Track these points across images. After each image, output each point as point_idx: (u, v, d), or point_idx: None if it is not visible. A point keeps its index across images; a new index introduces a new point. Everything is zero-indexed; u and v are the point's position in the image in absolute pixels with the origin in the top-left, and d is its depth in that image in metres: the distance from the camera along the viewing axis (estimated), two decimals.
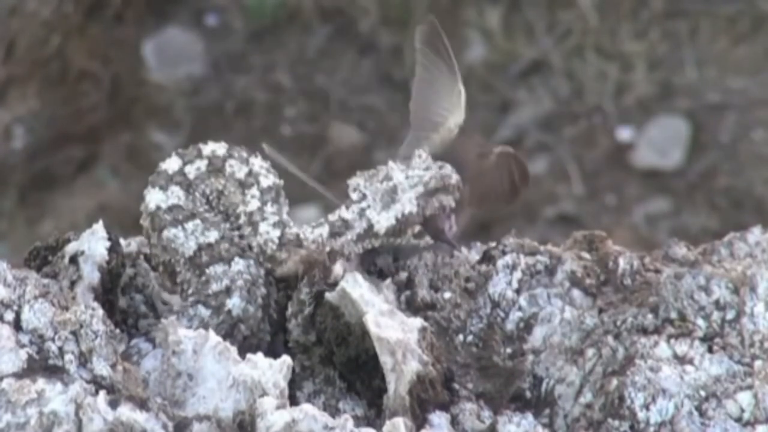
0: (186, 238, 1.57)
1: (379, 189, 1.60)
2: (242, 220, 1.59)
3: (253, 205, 1.59)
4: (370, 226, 1.59)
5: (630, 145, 4.23)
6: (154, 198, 1.59)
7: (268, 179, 1.61)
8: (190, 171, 1.60)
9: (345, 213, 1.59)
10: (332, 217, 1.59)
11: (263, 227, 1.58)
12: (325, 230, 1.58)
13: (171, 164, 1.61)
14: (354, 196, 1.60)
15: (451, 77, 1.77)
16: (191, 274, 1.57)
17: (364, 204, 1.59)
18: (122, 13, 4.49)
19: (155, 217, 1.58)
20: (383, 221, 1.59)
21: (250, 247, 1.58)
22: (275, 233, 1.58)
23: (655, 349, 1.51)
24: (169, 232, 1.58)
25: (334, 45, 4.45)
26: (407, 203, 1.59)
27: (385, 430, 1.41)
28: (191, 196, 1.60)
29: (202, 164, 1.61)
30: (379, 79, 4.37)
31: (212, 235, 1.58)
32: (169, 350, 1.45)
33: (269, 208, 1.59)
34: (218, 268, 1.56)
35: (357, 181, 1.62)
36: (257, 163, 1.62)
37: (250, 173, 1.61)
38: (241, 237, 1.59)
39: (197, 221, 1.58)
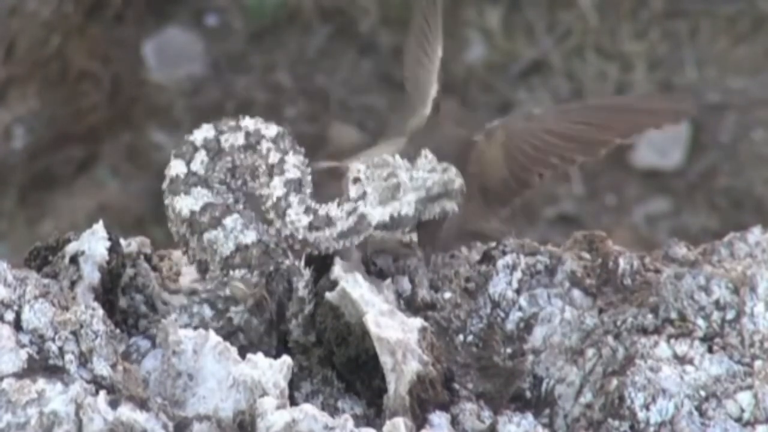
0: (225, 239, 1.57)
1: (381, 186, 1.59)
2: (269, 203, 1.58)
3: (274, 157, 1.59)
4: (362, 217, 1.58)
5: (630, 145, 4.22)
6: (184, 204, 1.58)
7: (271, 129, 1.61)
8: (197, 167, 1.60)
9: (333, 210, 1.58)
10: (321, 211, 1.58)
11: (292, 213, 1.57)
12: (305, 221, 1.57)
13: (177, 168, 1.60)
14: (353, 191, 1.59)
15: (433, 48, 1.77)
16: (220, 272, 1.57)
17: (359, 203, 1.59)
18: (122, 13, 4.49)
19: (193, 222, 1.58)
20: (377, 215, 1.58)
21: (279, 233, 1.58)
22: (306, 219, 1.57)
23: (655, 349, 1.51)
24: (210, 234, 1.57)
25: (334, 45, 4.45)
26: (405, 205, 1.58)
27: (385, 430, 1.41)
28: (214, 189, 1.60)
29: (202, 155, 1.61)
30: (379, 79, 4.37)
31: (250, 236, 1.57)
32: (170, 350, 1.45)
33: (291, 159, 1.59)
34: (241, 274, 1.56)
35: (359, 168, 1.60)
36: (250, 123, 1.61)
37: (248, 135, 1.60)
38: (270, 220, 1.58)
39: (234, 216, 1.58)
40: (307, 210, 1.57)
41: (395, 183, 1.59)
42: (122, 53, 4.48)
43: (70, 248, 1.58)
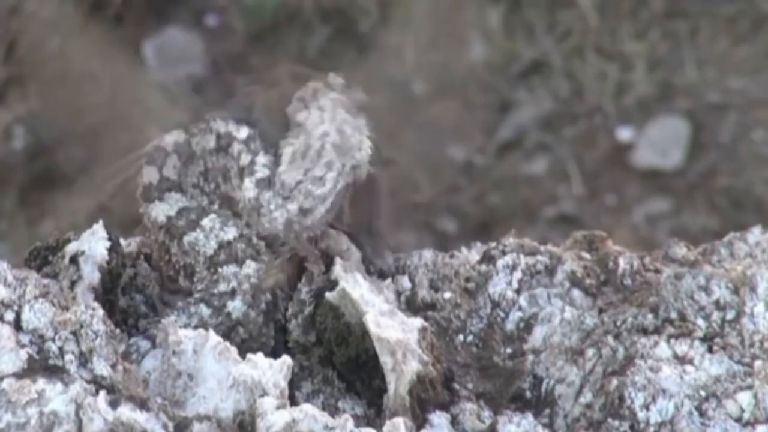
0: (206, 238, 1.57)
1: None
2: (242, 206, 1.58)
3: (245, 159, 1.58)
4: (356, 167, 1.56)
5: (630, 145, 4.23)
6: (159, 211, 1.59)
7: (243, 131, 1.60)
8: (169, 172, 1.61)
9: (317, 189, 1.56)
10: (303, 187, 1.56)
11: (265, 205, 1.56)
12: (294, 207, 1.55)
13: (150, 175, 1.61)
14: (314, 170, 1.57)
15: None
16: (207, 272, 1.57)
17: (334, 173, 1.56)
18: (122, 13, 4.49)
19: (171, 227, 1.58)
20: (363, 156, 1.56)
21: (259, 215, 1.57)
22: (294, 206, 1.55)
23: (655, 349, 1.51)
24: (189, 237, 1.58)
25: (334, 45, 4.46)
26: (361, 148, 1.56)
27: (385, 430, 1.41)
28: (188, 193, 1.60)
29: (173, 160, 1.61)
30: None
31: (231, 232, 1.57)
32: (170, 350, 1.45)
33: (261, 159, 1.58)
34: (230, 269, 1.56)
35: (288, 150, 1.57)
36: (220, 125, 1.61)
37: (219, 137, 1.60)
38: (248, 225, 1.58)
39: (212, 216, 1.58)
40: (285, 201, 1.55)
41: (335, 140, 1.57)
42: (122, 53, 4.48)
43: (70, 248, 1.58)
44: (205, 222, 1.58)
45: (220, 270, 1.56)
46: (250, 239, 1.58)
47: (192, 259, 1.58)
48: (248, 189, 1.57)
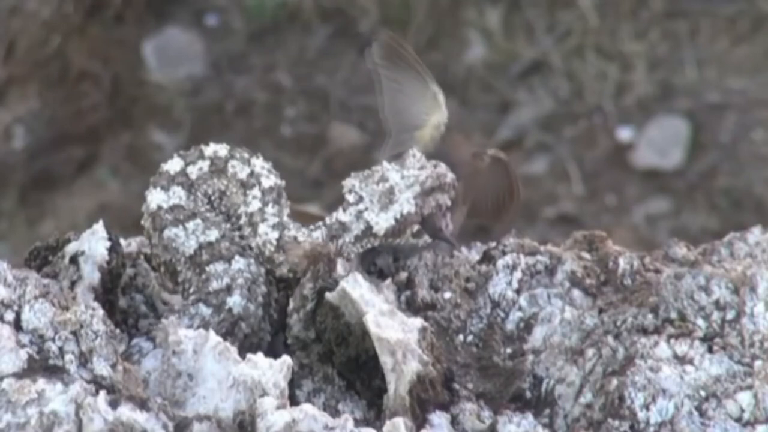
0: (186, 237, 1.58)
1: (376, 190, 1.61)
2: (243, 220, 1.60)
3: (254, 206, 1.60)
4: (369, 228, 1.59)
5: (630, 145, 4.23)
6: (155, 198, 1.60)
7: (270, 180, 1.61)
8: (192, 171, 1.61)
9: (342, 215, 1.60)
10: (329, 220, 1.60)
11: (262, 228, 1.59)
12: (322, 233, 1.59)
13: (173, 165, 1.62)
14: (350, 198, 1.61)
15: (421, 82, 1.77)
16: (192, 273, 1.57)
17: (361, 206, 1.60)
18: (122, 13, 4.49)
19: (156, 217, 1.59)
20: (382, 222, 1.59)
21: (250, 248, 1.59)
22: (274, 235, 1.58)
23: (655, 349, 1.51)
24: (170, 232, 1.58)
25: (334, 45, 4.46)
26: (405, 203, 1.59)
27: (385, 430, 1.41)
28: (192, 196, 1.61)
29: (204, 165, 1.62)
30: None
31: (213, 234, 1.58)
32: (170, 350, 1.45)
33: (270, 209, 1.60)
34: (219, 267, 1.56)
35: (352, 182, 1.62)
36: (259, 163, 1.62)
37: (252, 174, 1.61)
38: (242, 237, 1.59)
39: (198, 221, 1.59)
40: (316, 227, 1.59)
41: (388, 186, 1.60)
42: (122, 53, 4.48)
43: (70, 248, 1.58)
44: (189, 225, 1.59)
45: (207, 269, 1.57)
46: (233, 238, 1.59)
47: (172, 256, 1.58)
48: (252, 203, 1.59)
